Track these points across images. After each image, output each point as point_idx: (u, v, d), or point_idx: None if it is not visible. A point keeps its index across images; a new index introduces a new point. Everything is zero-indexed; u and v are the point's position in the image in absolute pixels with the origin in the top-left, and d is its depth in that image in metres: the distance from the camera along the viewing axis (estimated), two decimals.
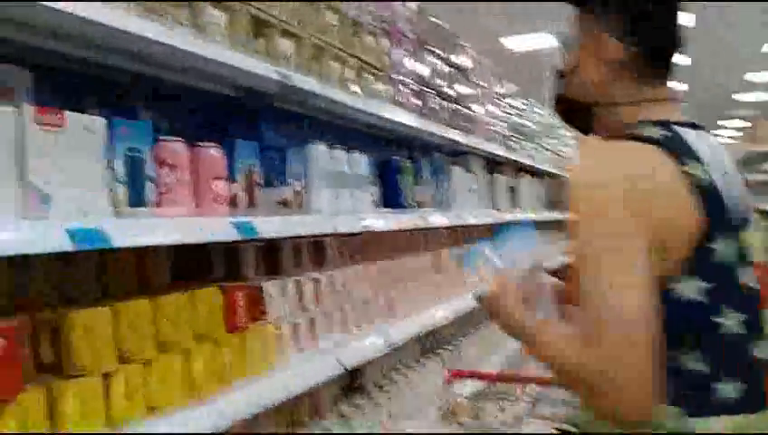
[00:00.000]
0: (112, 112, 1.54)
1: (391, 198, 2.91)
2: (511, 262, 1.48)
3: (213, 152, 1.72)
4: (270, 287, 1.97)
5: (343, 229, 2.10)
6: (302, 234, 1.90)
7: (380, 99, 2.64)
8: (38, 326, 1.34)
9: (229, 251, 2.10)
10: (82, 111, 1.36)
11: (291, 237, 2.26)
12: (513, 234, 1.51)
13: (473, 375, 2.68)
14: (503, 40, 9.67)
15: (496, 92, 4.75)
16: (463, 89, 3.83)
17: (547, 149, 6.25)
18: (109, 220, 1.31)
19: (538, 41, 9.58)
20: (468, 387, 2.83)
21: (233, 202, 1.80)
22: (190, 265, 2.01)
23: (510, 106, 5.12)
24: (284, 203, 2.03)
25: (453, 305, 3.09)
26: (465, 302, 3.24)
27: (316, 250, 2.45)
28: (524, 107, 5.62)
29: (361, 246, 2.80)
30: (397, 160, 2.94)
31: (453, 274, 3.42)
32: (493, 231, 1.51)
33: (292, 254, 2.29)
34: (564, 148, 6.93)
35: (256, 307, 1.93)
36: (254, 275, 2.11)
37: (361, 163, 2.49)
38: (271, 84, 2.00)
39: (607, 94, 1.33)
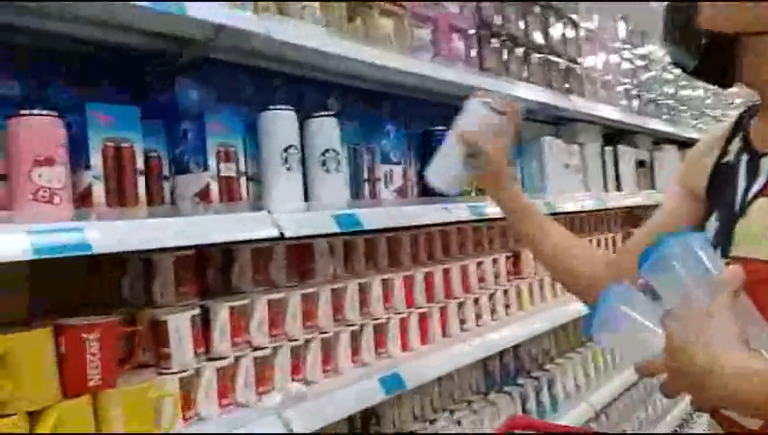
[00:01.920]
0: None
1: None
2: (691, 303, 0.84)
3: (34, 124, 1.13)
4: (176, 320, 1.36)
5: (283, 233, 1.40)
6: (185, 244, 1.25)
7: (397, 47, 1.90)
8: None
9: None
10: None
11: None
12: (673, 251, 0.86)
13: (537, 428, 1.88)
14: None
15: (622, 46, 3.74)
16: (564, 39, 2.94)
17: (702, 115, 5.02)
18: None
19: None
20: None
21: (83, 199, 1.21)
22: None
23: (646, 61, 4.06)
24: (203, 196, 1.40)
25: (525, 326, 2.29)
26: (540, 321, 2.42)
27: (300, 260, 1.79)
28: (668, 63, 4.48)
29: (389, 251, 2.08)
30: (441, 132, 2.18)
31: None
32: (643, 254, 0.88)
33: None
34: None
35: (151, 348, 1.34)
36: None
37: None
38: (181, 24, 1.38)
39: None
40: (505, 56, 2.49)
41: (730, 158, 1.09)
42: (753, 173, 1.01)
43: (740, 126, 1.12)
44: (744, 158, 1.05)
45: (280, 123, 1.56)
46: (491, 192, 1.36)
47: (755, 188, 0.99)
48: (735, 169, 1.06)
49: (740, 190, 1.02)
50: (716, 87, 1.11)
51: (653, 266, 0.87)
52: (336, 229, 1.56)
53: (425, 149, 2.17)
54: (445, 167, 1.35)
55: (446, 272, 2.14)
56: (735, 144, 1.10)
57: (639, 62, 3.89)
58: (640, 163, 3.66)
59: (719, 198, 1.08)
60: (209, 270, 1.63)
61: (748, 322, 0.83)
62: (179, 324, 1.35)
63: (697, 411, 1.00)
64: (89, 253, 1.07)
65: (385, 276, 1.89)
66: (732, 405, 0.84)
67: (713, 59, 1.00)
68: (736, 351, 0.80)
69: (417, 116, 2.33)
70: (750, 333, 0.82)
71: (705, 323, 0.81)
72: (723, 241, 0.99)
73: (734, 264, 0.89)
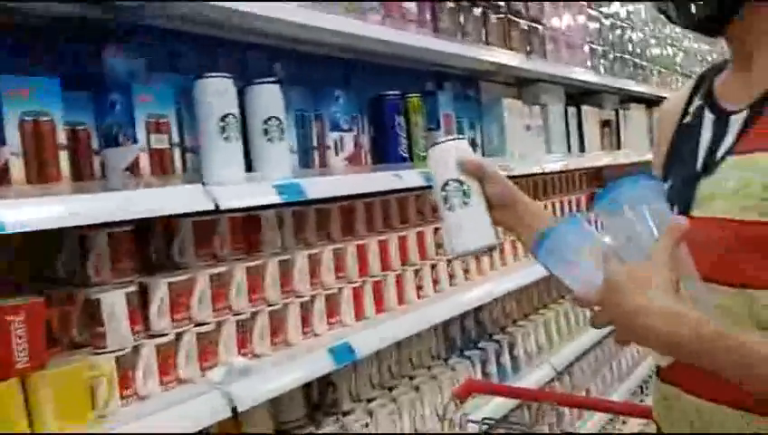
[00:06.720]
0: None
1: (385, 150, 2.13)
2: (634, 245, 0.89)
3: None
4: (109, 298, 1.32)
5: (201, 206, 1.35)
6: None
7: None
8: None
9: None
10: None
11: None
12: (625, 194, 0.90)
13: (496, 391, 1.89)
14: None
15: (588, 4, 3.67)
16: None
17: (673, 73, 4.99)
18: None
19: None
20: (489, 408, 2.05)
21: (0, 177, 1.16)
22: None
23: (610, 17, 4.00)
24: (133, 169, 1.35)
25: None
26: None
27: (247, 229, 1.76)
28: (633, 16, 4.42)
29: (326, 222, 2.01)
30: (392, 96, 2.13)
31: None
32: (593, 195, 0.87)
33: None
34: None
35: (87, 327, 1.31)
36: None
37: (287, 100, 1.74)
38: None
39: None
40: (462, 17, 2.43)
41: (689, 118, 1.07)
42: (720, 131, 0.98)
43: (700, 86, 1.09)
44: (710, 116, 1.02)
45: (214, 91, 1.50)
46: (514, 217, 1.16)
47: (724, 147, 0.96)
48: (697, 128, 1.03)
49: (703, 149, 1.00)
50: (701, 33, 1.04)
51: (605, 206, 0.91)
52: (278, 200, 1.52)
53: (376, 114, 2.14)
54: (470, 226, 1.12)
55: (402, 239, 2.12)
56: (696, 103, 1.07)
57: (606, 22, 3.84)
58: (605, 123, 3.65)
59: (677, 159, 1.06)
60: (151, 246, 1.60)
61: (683, 270, 0.87)
62: (113, 302, 1.32)
63: (617, 344, 1.03)
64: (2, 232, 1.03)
65: (336, 246, 1.87)
66: (653, 344, 0.88)
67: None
68: (669, 296, 0.83)
69: (369, 81, 2.28)
70: (683, 280, 0.86)
71: (644, 267, 0.85)
72: (682, 201, 0.98)
73: (700, 223, 0.91)
